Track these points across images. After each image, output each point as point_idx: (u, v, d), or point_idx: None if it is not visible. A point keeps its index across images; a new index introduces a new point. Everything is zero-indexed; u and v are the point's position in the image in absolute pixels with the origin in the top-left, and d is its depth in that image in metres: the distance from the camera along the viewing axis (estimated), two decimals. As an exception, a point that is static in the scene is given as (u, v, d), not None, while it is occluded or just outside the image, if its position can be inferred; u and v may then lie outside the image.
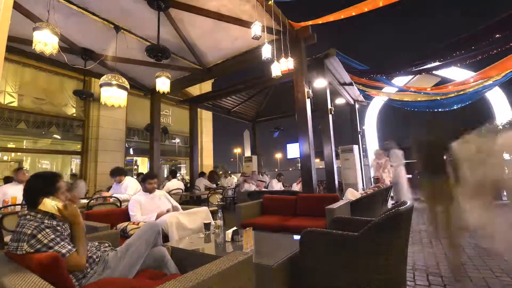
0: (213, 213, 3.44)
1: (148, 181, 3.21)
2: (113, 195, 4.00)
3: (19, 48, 4.75)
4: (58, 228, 1.43)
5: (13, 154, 7.38)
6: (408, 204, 1.71)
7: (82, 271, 1.45)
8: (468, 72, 7.44)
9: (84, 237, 1.52)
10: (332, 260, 1.72)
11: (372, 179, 7.53)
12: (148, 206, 3.12)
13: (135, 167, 10.70)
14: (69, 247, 1.39)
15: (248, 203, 4.09)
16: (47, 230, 1.36)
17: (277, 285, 1.72)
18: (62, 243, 1.38)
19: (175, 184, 6.13)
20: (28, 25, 3.46)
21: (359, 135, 8.75)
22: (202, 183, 7.06)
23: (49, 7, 3.28)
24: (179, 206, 3.43)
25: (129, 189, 4.19)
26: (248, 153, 14.26)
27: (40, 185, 1.48)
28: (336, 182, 5.16)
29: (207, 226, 2.62)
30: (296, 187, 6.79)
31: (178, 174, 7.05)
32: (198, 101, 8.07)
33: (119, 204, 3.75)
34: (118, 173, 4.30)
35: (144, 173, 5.21)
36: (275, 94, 9.12)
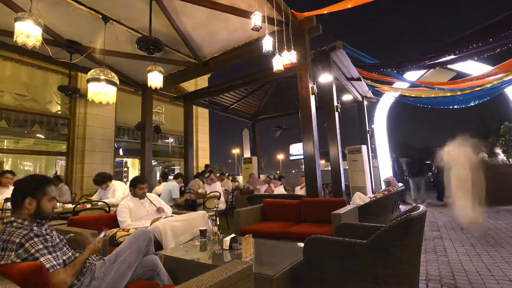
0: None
1: (139, 186, 3.20)
2: (101, 200, 4.00)
3: (-1, 40, 4.76)
4: (48, 237, 1.44)
5: (-7, 155, 7.39)
6: (421, 209, 1.71)
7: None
8: (486, 66, 7.44)
9: (81, 264, 1.54)
10: (339, 269, 1.72)
11: (382, 182, 7.53)
12: (138, 211, 3.11)
13: (125, 169, 10.70)
14: (55, 262, 1.39)
15: (247, 208, 4.09)
16: (36, 239, 1.36)
17: (278, 297, 1.71)
18: (49, 256, 1.38)
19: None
20: (9, 15, 3.46)
21: (368, 135, 8.75)
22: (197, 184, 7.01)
23: (32, -4, 3.28)
24: (167, 209, 3.42)
25: (117, 192, 4.17)
26: (247, 154, 14.27)
27: (26, 187, 1.50)
28: (343, 185, 5.16)
29: (203, 233, 2.62)
30: (300, 191, 6.78)
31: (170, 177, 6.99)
32: (193, 98, 8.07)
33: (107, 209, 3.76)
34: (102, 180, 4.24)
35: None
36: (276, 90, 9.12)
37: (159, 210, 3.20)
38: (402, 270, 1.58)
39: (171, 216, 3.23)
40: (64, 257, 1.50)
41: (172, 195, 5.22)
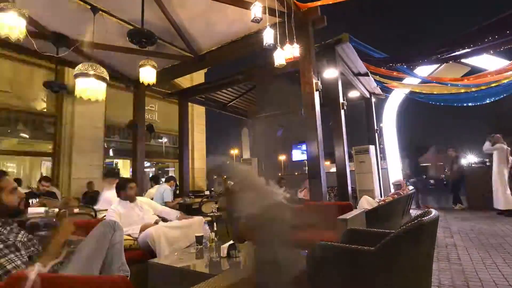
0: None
1: (129, 186, 3.20)
2: (78, 206, 4.03)
3: (-20, 33, 4.76)
4: (10, 237, 1.42)
5: (-27, 155, 7.39)
6: (433, 213, 1.71)
7: None
8: (503, 60, 7.44)
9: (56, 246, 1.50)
10: (345, 278, 1.72)
11: (391, 185, 7.53)
12: (129, 217, 3.10)
13: (116, 170, 10.70)
14: (19, 262, 1.35)
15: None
16: None
17: (280, 308, 1.71)
18: (11, 256, 1.34)
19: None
20: (-9, 6, 3.46)
21: (376, 134, 8.74)
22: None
23: (15, -15, 3.28)
24: (170, 211, 3.42)
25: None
26: (246, 154, 14.28)
27: None
28: (349, 188, 5.16)
29: (199, 239, 2.62)
30: (300, 194, 6.78)
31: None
32: (188, 94, 8.07)
33: (94, 214, 3.76)
34: (113, 174, 4.34)
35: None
36: (278, 86, 9.12)
37: (143, 227, 3.13)
38: (413, 279, 1.57)
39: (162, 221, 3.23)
40: (32, 254, 1.48)
41: (163, 199, 5.23)
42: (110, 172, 4.43)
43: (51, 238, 1.51)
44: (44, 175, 7.73)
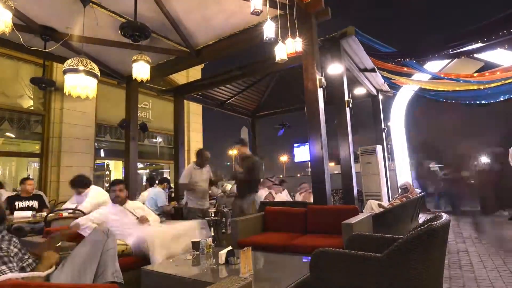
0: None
1: (112, 188, 3.24)
2: (69, 208, 4.02)
3: (-37, 26, 4.75)
4: (3, 247, 1.45)
5: (-44, 156, 7.40)
6: (443, 218, 1.71)
7: None
8: (518, 55, 7.43)
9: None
10: (350, 287, 1.72)
11: (399, 188, 7.54)
12: (119, 221, 3.10)
13: (107, 172, 10.70)
14: (10, 274, 1.37)
15: (246, 217, 4.10)
16: None
17: (282, 319, 1.71)
18: (2, 267, 1.37)
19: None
20: (-25, -2, 3.46)
21: (384, 133, 8.74)
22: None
23: (0, -25, 3.27)
24: (152, 218, 3.42)
25: (89, 197, 4.15)
26: (246, 155, 14.25)
27: None
28: (355, 191, 5.16)
29: (195, 245, 2.62)
30: (299, 197, 6.78)
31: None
32: (184, 91, 8.07)
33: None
34: (83, 183, 4.30)
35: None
36: (279, 83, 9.13)
37: (141, 220, 3.16)
38: (423, 287, 1.57)
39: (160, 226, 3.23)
40: (24, 264, 1.52)
41: (157, 203, 5.23)
42: (79, 181, 4.34)
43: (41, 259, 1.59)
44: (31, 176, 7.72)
